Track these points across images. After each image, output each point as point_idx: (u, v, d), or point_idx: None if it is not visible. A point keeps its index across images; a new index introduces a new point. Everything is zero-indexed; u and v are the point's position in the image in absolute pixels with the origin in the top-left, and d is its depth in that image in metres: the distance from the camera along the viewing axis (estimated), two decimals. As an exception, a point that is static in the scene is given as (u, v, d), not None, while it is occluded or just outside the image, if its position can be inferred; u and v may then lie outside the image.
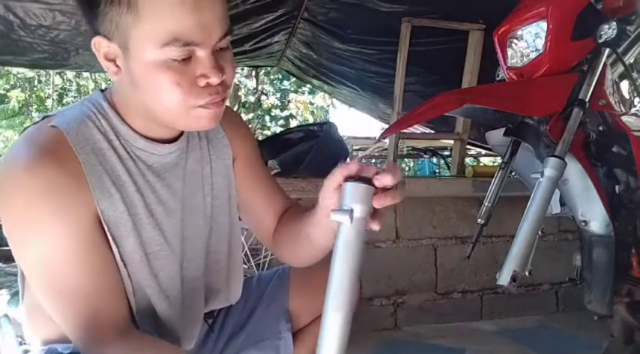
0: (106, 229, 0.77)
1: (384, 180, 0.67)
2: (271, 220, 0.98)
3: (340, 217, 0.63)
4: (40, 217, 0.72)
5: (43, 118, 0.81)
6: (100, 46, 0.74)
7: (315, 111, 11.90)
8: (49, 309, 0.77)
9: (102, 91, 0.85)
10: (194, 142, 0.91)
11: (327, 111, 12.19)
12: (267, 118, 11.09)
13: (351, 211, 0.63)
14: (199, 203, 0.91)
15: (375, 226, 0.70)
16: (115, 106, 0.81)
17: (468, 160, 4.25)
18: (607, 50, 1.40)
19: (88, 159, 0.76)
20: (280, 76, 10.47)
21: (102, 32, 0.73)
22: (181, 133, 0.87)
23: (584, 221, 1.44)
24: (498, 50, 1.54)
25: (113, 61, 0.75)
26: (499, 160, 1.57)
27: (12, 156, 0.75)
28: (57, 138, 0.75)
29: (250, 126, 8.46)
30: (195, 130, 0.88)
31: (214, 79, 0.73)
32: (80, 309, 0.75)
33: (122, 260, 0.79)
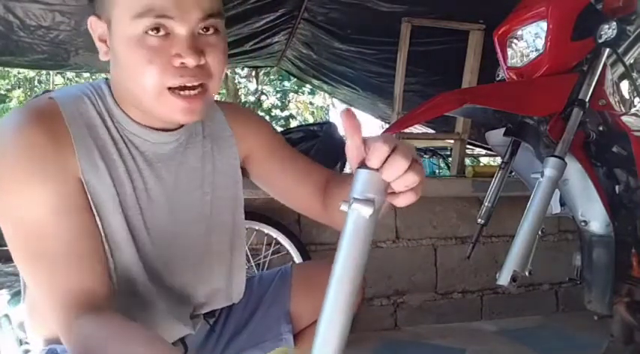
0: (92, 202, 0.76)
1: (389, 174, 0.58)
2: (315, 196, 0.95)
3: (360, 208, 0.57)
4: (18, 174, 0.72)
5: (45, 93, 0.82)
6: (95, 25, 0.76)
7: (315, 111, 11.91)
8: (25, 276, 0.76)
9: (106, 79, 0.85)
10: (196, 139, 0.91)
11: (327, 111, 12.19)
12: (267, 118, 11.10)
13: (367, 200, 0.57)
14: (196, 201, 0.90)
15: (401, 203, 0.63)
16: (113, 91, 0.82)
17: (467, 160, 4.25)
18: (607, 50, 1.40)
19: (79, 131, 0.76)
20: (280, 77, 10.47)
21: (95, 11, 0.75)
22: (181, 126, 0.85)
23: (584, 221, 1.44)
24: (498, 50, 1.54)
25: (104, 41, 0.76)
26: (499, 160, 1.57)
27: (4, 120, 0.77)
28: (51, 108, 0.76)
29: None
30: (173, 122, 0.81)
31: (189, 60, 0.71)
32: (56, 277, 0.72)
33: (106, 237, 0.78)
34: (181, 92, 0.74)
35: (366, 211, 0.57)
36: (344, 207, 0.59)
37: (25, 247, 0.74)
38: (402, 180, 0.59)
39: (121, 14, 0.71)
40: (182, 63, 0.72)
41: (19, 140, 0.72)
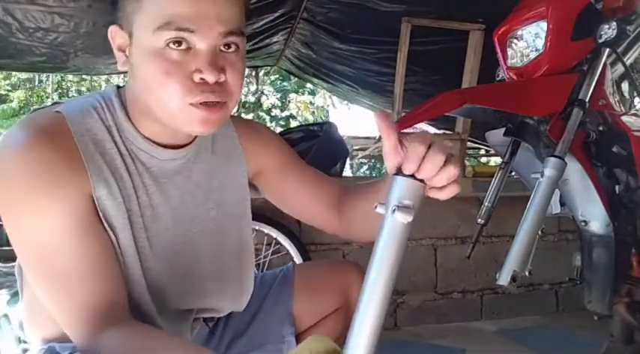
0: (102, 217, 0.76)
1: (426, 172, 0.61)
2: (330, 211, 0.96)
3: (400, 214, 0.60)
4: (32, 195, 0.71)
5: (52, 105, 0.81)
6: (115, 34, 0.75)
7: (315, 111, 11.91)
8: (43, 297, 0.76)
9: (118, 87, 0.84)
10: (204, 155, 0.89)
11: (327, 111, 12.19)
12: (267, 118, 11.09)
13: (406, 207, 0.60)
14: (200, 216, 0.89)
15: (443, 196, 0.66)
16: (125, 103, 0.81)
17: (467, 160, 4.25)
18: (607, 50, 1.40)
19: (87, 147, 0.76)
20: (281, 77, 10.47)
21: (117, 21, 0.75)
22: (190, 142, 0.85)
23: (584, 221, 1.44)
24: (498, 50, 1.54)
25: (124, 51, 0.75)
26: (499, 159, 1.57)
27: (10, 136, 0.75)
28: (57, 122, 0.75)
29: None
30: (190, 133, 0.83)
31: (209, 77, 0.71)
32: (74, 294, 0.72)
33: (119, 250, 0.78)
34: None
35: (406, 217, 0.60)
36: (380, 209, 0.62)
37: (41, 267, 0.73)
38: (442, 175, 0.62)
39: (142, 26, 0.71)
40: (202, 78, 0.71)
41: (29, 157, 0.71)
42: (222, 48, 0.73)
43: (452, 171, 0.62)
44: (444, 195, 0.65)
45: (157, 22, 0.69)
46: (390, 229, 0.61)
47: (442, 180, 0.62)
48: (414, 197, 0.61)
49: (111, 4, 0.76)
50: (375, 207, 0.62)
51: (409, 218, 0.60)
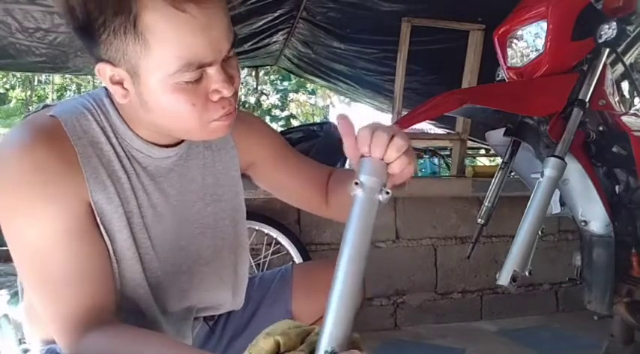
0: (99, 221, 0.76)
1: (375, 149, 0.66)
2: (320, 195, 1.00)
3: (368, 190, 0.64)
4: (28, 198, 0.71)
5: (44, 108, 0.81)
6: (104, 72, 0.73)
7: (315, 111, 11.91)
8: (33, 296, 0.76)
9: (106, 88, 0.83)
10: (196, 151, 0.90)
11: (327, 111, 12.19)
12: (267, 118, 11.09)
13: (374, 183, 0.64)
14: (198, 213, 0.90)
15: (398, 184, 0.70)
16: (116, 105, 0.81)
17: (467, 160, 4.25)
18: (607, 50, 1.40)
19: (84, 150, 0.76)
20: (281, 77, 10.47)
21: (106, 59, 0.72)
22: (182, 141, 0.86)
23: (584, 221, 1.44)
24: (498, 50, 1.54)
25: (120, 83, 0.73)
26: (499, 160, 1.57)
27: (6, 140, 0.75)
28: (53, 126, 0.75)
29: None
30: (209, 139, 0.87)
31: (226, 92, 0.73)
32: (60, 297, 0.73)
33: (113, 254, 0.78)
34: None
35: (373, 192, 0.64)
36: (352, 191, 0.65)
37: (32, 269, 0.74)
38: (392, 149, 0.66)
39: (154, 68, 0.69)
40: (221, 96, 0.73)
41: (23, 161, 0.71)
42: (224, 58, 0.74)
43: (398, 142, 0.66)
44: (398, 175, 0.68)
45: (175, 65, 0.68)
46: (359, 204, 0.65)
47: (393, 152, 0.66)
48: (380, 174, 0.66)
49: (82, 39, 0.73)
50: (350, 190, 0.67)
51: (376, 192, 0.64)
